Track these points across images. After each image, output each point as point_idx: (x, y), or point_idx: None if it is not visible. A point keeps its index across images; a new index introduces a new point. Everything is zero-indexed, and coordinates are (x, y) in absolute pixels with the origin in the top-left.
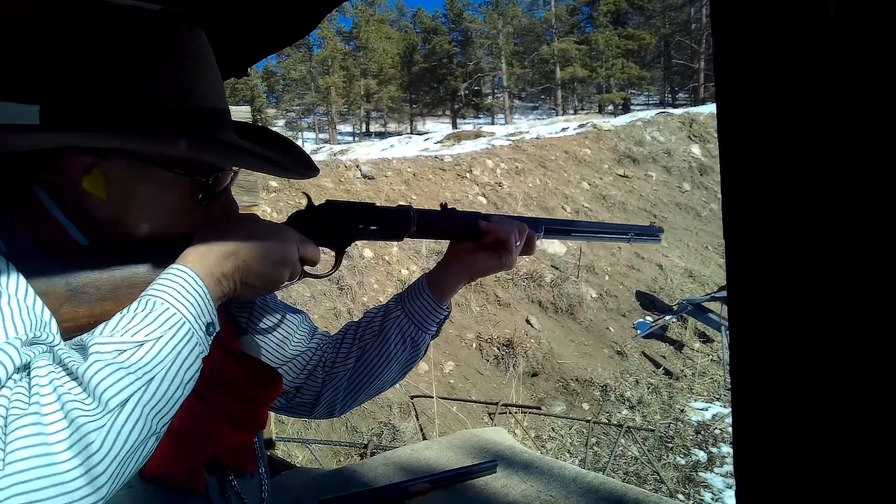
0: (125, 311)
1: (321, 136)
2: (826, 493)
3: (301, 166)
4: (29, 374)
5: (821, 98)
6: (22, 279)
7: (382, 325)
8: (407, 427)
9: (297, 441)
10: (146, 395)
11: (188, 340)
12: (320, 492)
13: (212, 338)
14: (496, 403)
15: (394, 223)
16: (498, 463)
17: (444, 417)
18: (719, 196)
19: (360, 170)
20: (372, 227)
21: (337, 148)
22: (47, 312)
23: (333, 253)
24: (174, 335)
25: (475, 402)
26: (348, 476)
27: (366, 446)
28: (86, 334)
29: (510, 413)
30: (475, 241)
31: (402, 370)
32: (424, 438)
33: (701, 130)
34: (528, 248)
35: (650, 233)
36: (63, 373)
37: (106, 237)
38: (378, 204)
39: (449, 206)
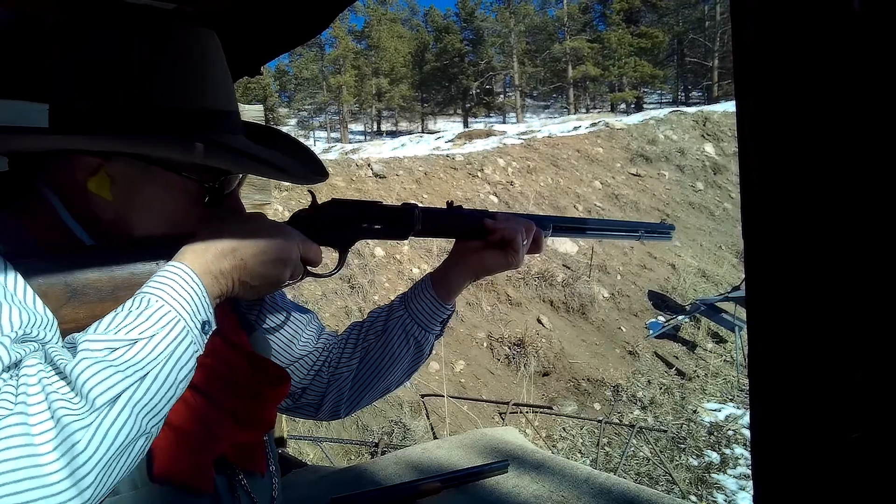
0: (120, 308)
1: (333, 135)
2: (845, 497)
3: (310, 171)
4: (18, 372)
5: (843, 94)
6: (20, 278)
7: (386, 324)
8: (418, 426)
9: (309, 439)
10: (137, 394)
11: (182, 339)
12: (331, 490)
13: (208, 336)
14: (507, 403)
15: (398, 221)
16: (509, 463)
17: (454, 416)
18: (733, 195)
19: (372, 169)
20: (376, 226)
21: (348, 147)
22: (47, 310)
23: (338, 252)
24: (168, 333)
25: (486, 401)
26: (359, 474)
27: (377, 445)
28: (79, 333)
29: (521, 412)
30: (481, 240)
31: (406, 371)
32: (435, 437)
33: (714, 129)
34: (535, 247)
35: (661, 230)
36: (52, 371)
37: (111, 238)
38: (383, 202)
39: (456, 205)
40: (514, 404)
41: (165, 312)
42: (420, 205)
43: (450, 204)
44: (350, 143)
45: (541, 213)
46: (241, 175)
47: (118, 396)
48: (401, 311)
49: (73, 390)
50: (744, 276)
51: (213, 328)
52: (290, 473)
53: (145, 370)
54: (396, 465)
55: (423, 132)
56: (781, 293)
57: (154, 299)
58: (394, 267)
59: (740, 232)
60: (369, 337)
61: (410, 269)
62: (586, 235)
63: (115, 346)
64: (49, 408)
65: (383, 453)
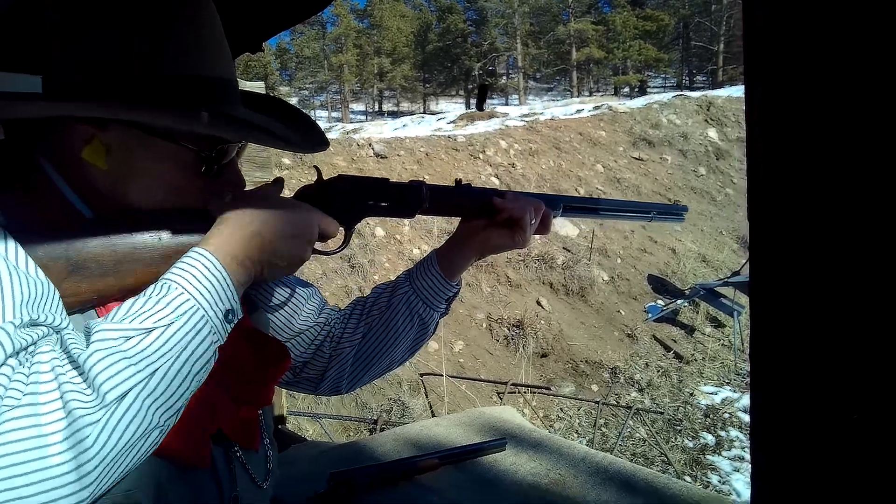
0: (141, 294)
1: (334, 114)
2: (843, 479)
3: (310, 141)
4: (32, 359)
5: (856, 82)
6: (21, 250)
7: (390, 301)
8: (416, 404)
9: (308, 415)
10: (148, 388)
11: (200, 328)
12: (331, 465)
13: (231, 325)
14: (505, 383)
15: (406, 199)
16: (507, 441)
17: (453, 396)
18: (735, 181)
19: (373, 148)
20: (383, 203)
21: (349, 127)
22: (49, 282)
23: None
24: (185, 322)
25: (484, 381)
26: (358, 450)
27: (375, 422)
28: (99, 319)
29: (519, 393)
30: (489, 219)
31: (409, 349)
32: (433, 416)
33: (718, 114)
34: (543, 228)
35: (673, 212)
36: (66, 360)
37: (109, 209)
38: (390, 179)
39: (465, 183)
40: (512, 384)
41: (184, 300)
42: (428, 182)
43: (458, 182)
44: (351, 122)
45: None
46: (239, 145)
47: (129, 391)
48: (406, 287)
49: (85, 381)
50: (744, 261)
51: (239, 317)
52: (289, 448)
53: (159, 362)
54: (395, 441)
55: (424, 113)
56: (785, 280)
57: (174, 286)
58: (394, 247)
59: (742, 217)
60: (373, 313)
61: (411, 249)
62: (598, 216)
63: (130, 335)
64: (61, 397)
65: (382, 430)
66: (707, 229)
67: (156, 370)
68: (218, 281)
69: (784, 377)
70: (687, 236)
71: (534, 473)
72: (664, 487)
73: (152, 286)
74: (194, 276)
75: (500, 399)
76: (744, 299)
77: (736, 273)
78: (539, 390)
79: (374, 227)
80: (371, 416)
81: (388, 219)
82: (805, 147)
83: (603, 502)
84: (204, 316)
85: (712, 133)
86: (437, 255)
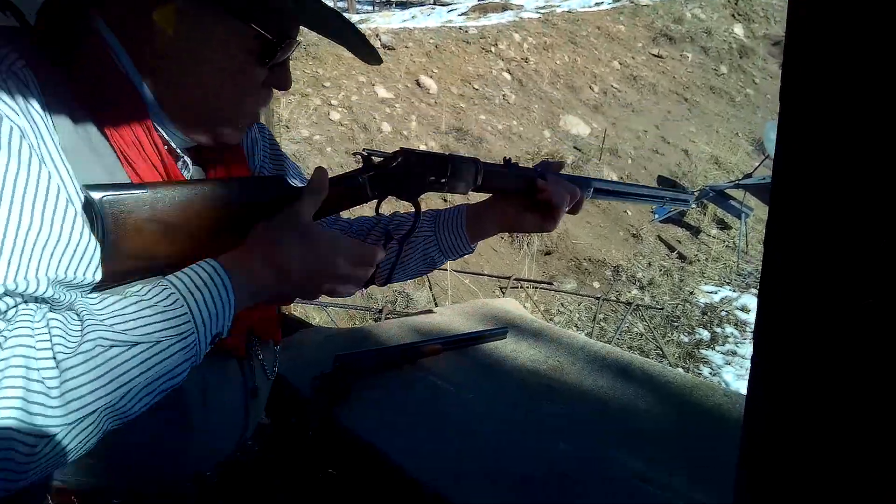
0: (144, 294)
1: (339, 4)
2: (843, 383)
3: (367, 53)
4: (6, 341)
5: None
6: (62, 201)
7: (410, 240)
8: (420, 296)
9: (315, 304)
10: (113, 404)
11: (186, 350)
12: (336, 349)
13: (212, 346)
14: (508, 278)
15: (463, 177)
16: (508, 330)
17: (456, 289)
18: (757, 81)
19: (380, 40)
20: (443, 180)
21: (356, 17)
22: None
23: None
24: (173, 343)
25: (488, 275)
26: (364, 336)
27: (380, 311)
28: (97, 298)
29: (521, 287)
30: (527, 199)
31: (412, 276)
32: (437, 307)
33: (746, 8)
34: (574, 209)
35: (681, 199)
36: (49, 355)
37: (163, 83)
38: (450, 153)
39: (513, 162)
40: (515, 279)
41: (185, 321)
42: (481, 160)
43: (507, 161)
44: (357, 13)
45: (555, 94)
46: (297, 44)
47: (95, 410)
48: (429, 233)
49: (59, 387)
50: (757, 164)
51: (223, 337)
52: (295, 333)
53: (136, 380)
54: (400, 328)
55: (434, 4)
56: (810, 180)
57: (179, 302)
58: (401, 143)
59: (759, 119)
60: (391, 243)
61: (417, 145)
62: (618, 198)
63: (118, 343)
64: (25, 399)
65: (387, 319)
66: (723, 131)
67: (129, 389)
68: (224, 308)
69: (796, 278)
70: (701, 137)
71: (533, 360)
72: (659, 375)
73: (159, 289)
74: (203, 298)
75: (503, 293)
76: (753, 202)
77: (748, 175)
78: (541, 285)
79: (381, 123)
80: (376, 307)
81: (394, 109)
82: (860, 42)
83: (599, 387)
84: (195, 340)
85: (738, 29)
86: (466, 218)
